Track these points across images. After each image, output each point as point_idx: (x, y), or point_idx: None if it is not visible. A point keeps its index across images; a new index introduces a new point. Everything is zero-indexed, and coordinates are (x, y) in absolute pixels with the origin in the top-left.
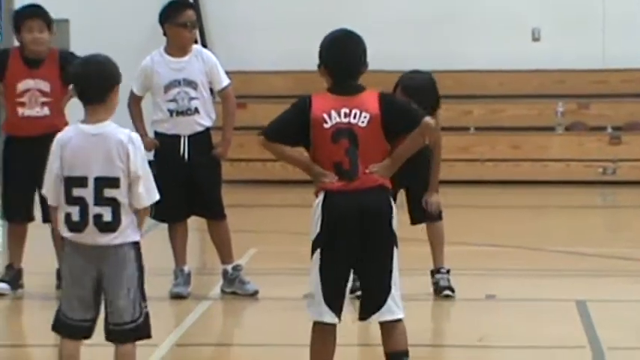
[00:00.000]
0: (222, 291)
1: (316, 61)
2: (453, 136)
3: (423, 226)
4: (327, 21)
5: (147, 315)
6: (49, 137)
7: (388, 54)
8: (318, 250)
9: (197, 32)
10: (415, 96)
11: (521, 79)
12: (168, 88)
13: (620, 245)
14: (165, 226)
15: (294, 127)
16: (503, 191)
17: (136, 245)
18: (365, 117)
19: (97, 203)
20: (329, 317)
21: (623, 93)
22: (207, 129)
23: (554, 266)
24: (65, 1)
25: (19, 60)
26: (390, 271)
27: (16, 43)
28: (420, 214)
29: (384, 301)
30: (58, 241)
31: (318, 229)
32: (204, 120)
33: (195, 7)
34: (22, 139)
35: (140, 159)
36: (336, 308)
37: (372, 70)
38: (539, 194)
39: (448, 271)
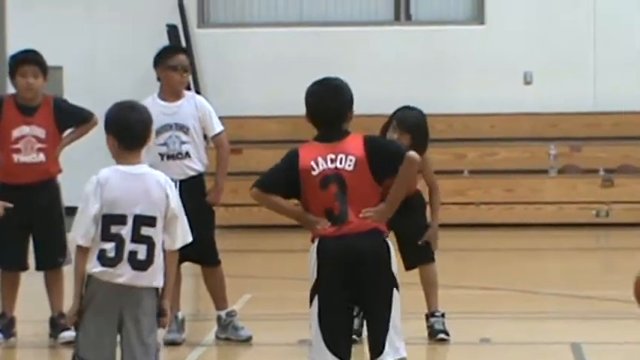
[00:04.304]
0: (217, 337)
1: None
2: (447, 179)
3: (413, 270)
4: (319, 66)
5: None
6: (43, 184)
7: (380, 98)
8: (316, 296)
9: (190, 79)
10: (411, 130)
11: (514, 122)
12: (159, 132)
13: (614, 287)
14: None
15: (285, 178)
16: (498, 234)
17: (157, 291)
18: (351, 160)
19: (133, 240)
20: None
21: (615, 136)
22: (200, 174)
23: (549, 309)
24: (59, 48)
25: (13, 107)
26: (389, 315)
27: (11, 90)
28: (413, 258)
29: (383, 345)
30: (80, 281)
31: (315, 275)
32: (196, 164)
33: (189, 53)
34: (16, 186)
35: (177, 200)
36: (342, 353)
37: (364, 115)
38: (533, 237)
39: (443, 315)
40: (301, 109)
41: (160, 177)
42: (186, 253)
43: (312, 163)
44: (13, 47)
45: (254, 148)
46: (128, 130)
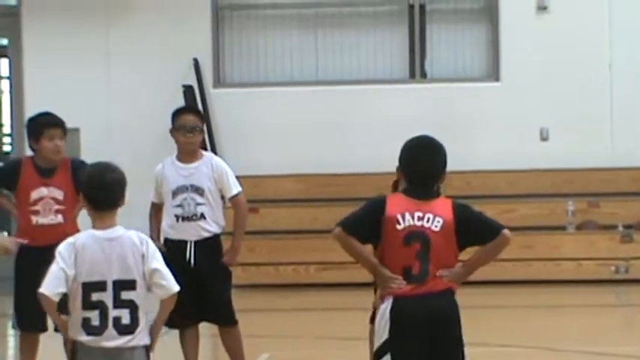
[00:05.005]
0: None
1: (325, 164)
2: None
3: None
4: (335, 125)
5: None
6: None
7: (397, 156)
8: (388, 356)
9: (206, 138)
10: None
11: (531, 178)
12: (175, 193)
13: (635, 344)
14: (177, 332)
15: (368, 223)
16: (516, 291)
17: (146, 348)
18: (438, 222)
19: (116, 306)
20: None
21: (633, 191)
22: (216, 235)
23: None
24: (76, 109)
25: (32, 169)
26: None
27: (28, 153)
28: None
29: None
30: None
31: (386, 335)
32: (211, 226)
33: (203, 112)
34: (34, 248)
35: (154, 254)
36: None
37: (382, 173)
38: (552, 294)
39: None
40: (317, 168)
41: (134, 237)
42: (203, 314)
43: (399, 216)
44: (30, 109)
45: (270, 206)
46: (101, 190)
